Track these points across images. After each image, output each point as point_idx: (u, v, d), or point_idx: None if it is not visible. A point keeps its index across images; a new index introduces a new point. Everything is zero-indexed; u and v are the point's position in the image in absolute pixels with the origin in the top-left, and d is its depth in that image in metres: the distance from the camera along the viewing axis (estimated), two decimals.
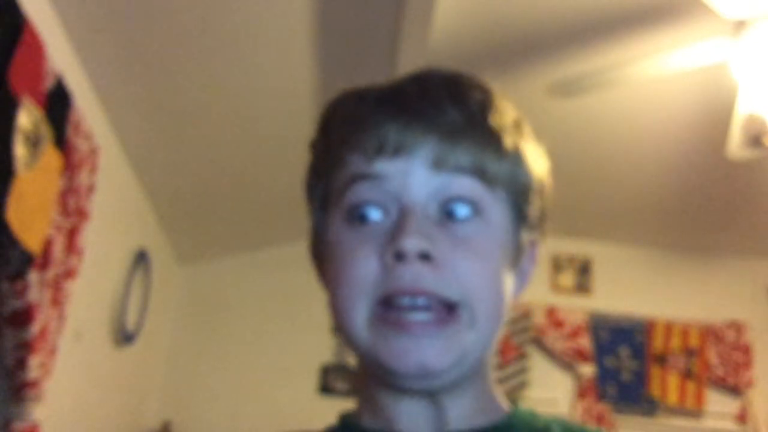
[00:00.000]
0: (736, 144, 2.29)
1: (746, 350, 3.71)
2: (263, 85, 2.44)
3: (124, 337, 2.80)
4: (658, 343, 3.68)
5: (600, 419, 3.53)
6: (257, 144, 2.82)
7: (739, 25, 2.08)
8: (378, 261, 0.62)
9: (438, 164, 0.64)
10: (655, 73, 2.27)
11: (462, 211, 0.64)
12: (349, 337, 0.64)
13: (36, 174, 1.73)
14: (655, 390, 3.61)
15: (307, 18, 2.12)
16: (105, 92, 2.30)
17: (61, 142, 1.87)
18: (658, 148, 2.93)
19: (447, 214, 0.64)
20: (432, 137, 0.64)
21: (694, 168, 3.02)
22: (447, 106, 0.65)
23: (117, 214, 2.66)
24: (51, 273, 1.85)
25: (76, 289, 2.05)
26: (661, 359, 3.66)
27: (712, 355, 3.68)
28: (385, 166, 0.64)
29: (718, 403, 3.65)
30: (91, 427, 2.63)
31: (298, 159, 2.86)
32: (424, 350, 0.60)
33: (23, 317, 1.76)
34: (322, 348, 3.67)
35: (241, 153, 2.86)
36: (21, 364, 1.81)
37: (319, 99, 2.52)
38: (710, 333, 3.71)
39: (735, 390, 3.67)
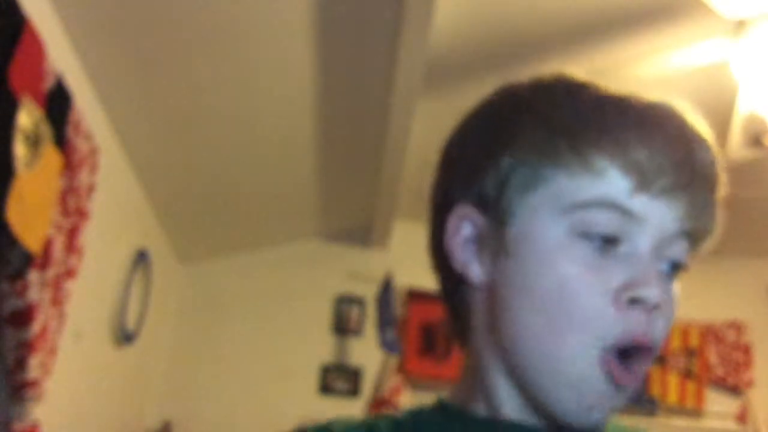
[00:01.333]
0: (736, 144, 2.29)
1: (746, 350, 3.71)
2: (263, 86, 2.44)
3: (124, 337, 2.80)
4: None
5: None
6: (257, 144, 2.82)
7: (739, 25, 2.08)
8: (610, 299, 0.59)
9: (688, 218, 0.62)
10: (655, 73, 2.26)
11: (674, 270, 0.63)
12: (550, 365, 0.61)
13: (36, 174, 1.73)
14: (655, 390, 3.61)
15: (307, 19, 2.12)
16: (105, 92, 2.30)
17: (61, 142, 1.87)
18: None
19: (668, 267, 0.63)
20: (695, 187, 0.61)
21: None
22: (711, 156, 0.63)
23: (117, 214, 2.66)
24: (51, 273, 1.85)
25: (76, 289, 2.05)
26: (661, 359, 3.66)
27: (712, 355, 3.68)
28: (643, 204, 0.60)
29: (718, 403, 3.65)
30: (91, 427, 2.63)
31: (298, 159, 2.88)
32: (614, 404, 0.61)
33: (23, 317, 1.76)
34: (322, 348, 3.67)
35: (241, 153, 2.86)
36: (21, 364, 1.81)
37: (319, 99, 2.52)
38: (710, 333, 3.71)
39: (735, 390, 3.67)
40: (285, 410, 3.50)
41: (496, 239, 0.64)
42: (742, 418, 3.63)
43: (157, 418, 3.43)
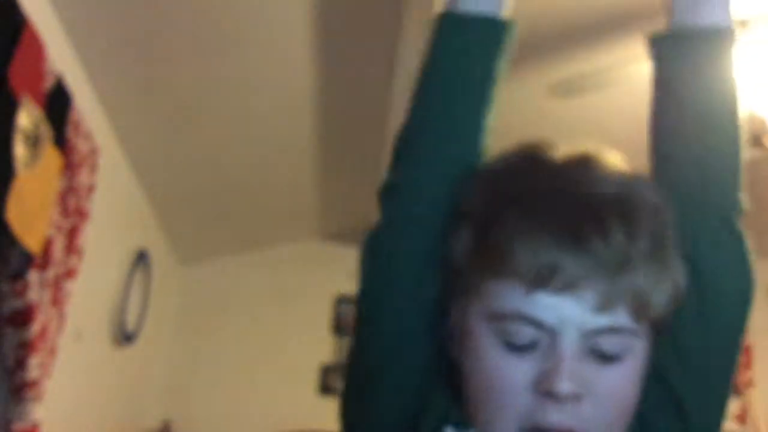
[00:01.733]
0: None
1: (746, 350, 3.71)
2: (263, 86, 2.44)
3: (124, 337, 2.80)
4: None
5: None
6: (257, 144, 2.82)
7: (739, 25, 2.08)
8: (530, 392, 0.66)
9: (600, 309, 0.66)
10: None
11: (612, 355, 0.67)
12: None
13: (36, 174, 1.73)
14: None
15: (308, 18, 2.12)
16: (105, 92, 2.30)
17: (61, 142, 1.87)
18: None
19: (596, 356, 0.67)
20: (600, 277, 0.65)
21: None
22: (619, 238, 0.65)
23: (117, 214, 2.66)
24: (51, 273, 1.85)
25: (76, 289, 2.05)
26: None
27: None
28: (547, 303, 0.66)
29: None
30: (91, 427, 2.63)
31: (298, 160, 2.87)
32: None
33: (23, 317, 1.76)
34: (322, 348, 3.67)
35: (241, 153, 2.86)
36: (21, 364, 1.81)
37: (319, 99, 2.52)
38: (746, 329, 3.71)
39: (735, 390, 3.67)
40: (285, 410, 3.50)
41: (458, 331, 0.73)
42: (742, 418, 3.63)
43: (157, 418, 3.43)
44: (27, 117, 1.67)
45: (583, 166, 0.71)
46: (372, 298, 0.78)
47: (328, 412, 3.93)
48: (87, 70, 2.19)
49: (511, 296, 0.67)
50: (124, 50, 2.18)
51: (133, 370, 3.10)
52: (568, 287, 0.65)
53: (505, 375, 0.67)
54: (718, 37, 0.80)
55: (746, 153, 0.83)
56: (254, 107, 2.56)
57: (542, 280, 0.65)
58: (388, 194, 0.79)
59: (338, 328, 3.69)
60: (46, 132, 1.78)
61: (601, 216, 0.66)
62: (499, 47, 0.82)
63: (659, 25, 0.88)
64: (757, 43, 2.08)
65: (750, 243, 0.79)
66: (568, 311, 0.65)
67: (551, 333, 0.66)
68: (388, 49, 2.22)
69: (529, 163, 0.72)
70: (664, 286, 0.68)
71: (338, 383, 3.65)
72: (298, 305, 3.70)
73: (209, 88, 2.43)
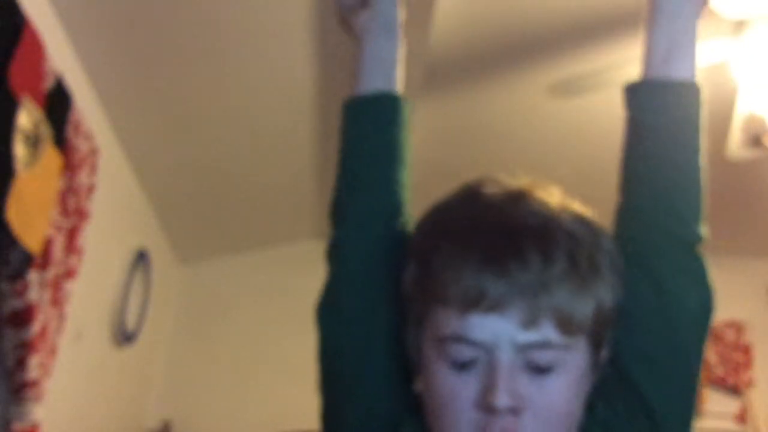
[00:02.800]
0: (736, 144, 2.29)
1: (746, 350, 3.71)
2: (263, 85, 2.44)
3: (124, 337, 2.80)
4: None
5: None
6: (257, 143, 2.82)
7: (739, 25, 2.08)
8: (474, 409, 0.73)
9: (527, 325, 0.73)
10: None
11: (545, 367, 0.74)
12: None
13: (36, 174, 1.73)
14: None
15: (308, 18, 2.12)
16: (105, 92, 2.30)
17: (61, 142, 1.87)
18: None
19: (531, 369, 0.74)
20: (521, 297, 0.73)
21: None
22: (535, 263, 0.73)
23: (117, 214, 2.66)
24: (51, 273, 1.85)
25: (76, 289, 2.05)
26: None
27: (712, 355, 3.68)
28: (478, 323, 0.73)
29: (718, 403, 3.65)
30: (91, 427, 2.63)
31: (298, 159, 2.87)
32: None
33: (23, 317, 1.76)
34: None
35: (242, 153, 2.86)
36: (21, 364, 1.81)
37: (319, 99, 2.52)
38: (710, 333, 3.70)
39: (735, 390, 3.67)
40: (285, 410, 3.50)
41: (415, 359, 0.82)
42: (741, 418, 3.63)
43: (157, 418, 3.43)
44: (27, 117, 1.68)
45: (515, 199, 0.79)
46: (331, 352, 0.94)
47: None
48: (87, 70, 2.19)
49: (448, 320, 0.75)
50: (124, 50, 2.18)
51: (133, 370, 3.10)
52: (494, 308, 0.72)
53: (451, 393, 0.74)
54: (686, 89, 0.98)
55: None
56: (254, 107, 2.56)
57: (471, 302, 0.73)
58: (329, 255, 0.93)
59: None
60: (46, 132, 1.78)
61: (519, 243, 0.74)
62: (396, 117, 0.96)
63: None
64: (757, 43, 2.08)
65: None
66: (497, 329, 0.73)
67: (487, 350, 0.73)
68: None
69: (467, 198, 0.81)
70: (584, 302, 0.75)
71: None
72: (298, 305, 3.68)
73: (209, 88, 2.43)
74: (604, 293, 0.76)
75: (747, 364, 3.69)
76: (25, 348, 1.80)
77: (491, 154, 2.96)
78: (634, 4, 2.28)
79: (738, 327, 3.73)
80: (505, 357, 0.73)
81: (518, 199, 0.78)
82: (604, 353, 0.80)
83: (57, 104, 1.84)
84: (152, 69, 2.29)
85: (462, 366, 0.74)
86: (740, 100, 2.22)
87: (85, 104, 2.15)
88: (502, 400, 0.71)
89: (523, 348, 0.73)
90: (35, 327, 1.80)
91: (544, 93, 2.52)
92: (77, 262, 2.03)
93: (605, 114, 2.80)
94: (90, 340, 2.48)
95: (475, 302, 0.73)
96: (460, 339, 0.74)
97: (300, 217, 3.60)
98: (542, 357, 0.73)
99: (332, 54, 2.29)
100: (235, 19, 2.12)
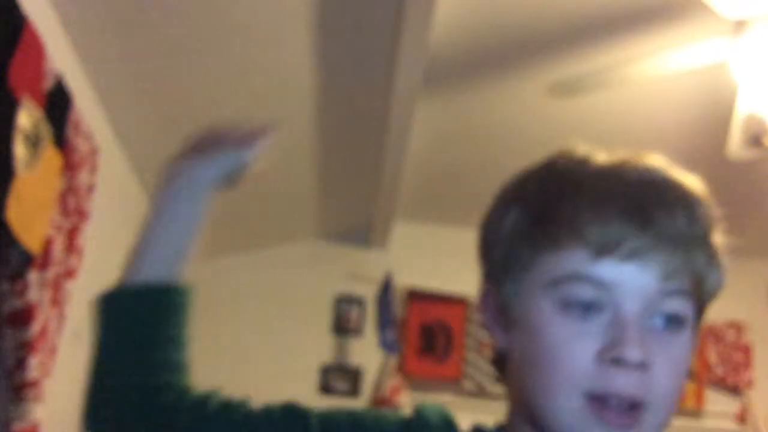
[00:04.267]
0: (736, 144, 2.29)
1: (746, 350, 3.71)
2: (263, 85, 2.44)
3: None
4: None
5: None
6: None
7: (739, 25, 2.08)
8: (594, 358, 0.66)
9: (666, 278, 0.67)
10: (655, 73, 2.26)
11: (673, 325, 0.68)
12: (548, 414, 0.68)
13: (36, 174, 1.73)
14: None
15: (308, 18, 2.12)
16: (105, 92, 2.30)
17: (61, 142, 1.87)
18: (657, 148, 2.91)
19: (660, 323, 0.68)
20: (663, 250, 0.66)
21: (694, 168, 3.02)
22: (682, 218, 0.68)
23: (117, 214, 2.66)
24: (51, 273, 1.85)
25: (76, 289, 2.05)
26: None
27: (712, 355, 3.68)
28: (611, 269, 0.66)
29: (718, 403, 3.65)
30: None
31: (298, 159, 2.87)
32: None
33: (23, 317, 1.76)
34: (322, 348, 3.67)
35: None
36: (21, 364, 1.81)
37: (319, 99, 2.52)
38: (710, 333, 3.71)
39: (735, 390, 3.67)
40: None
41: (507, 315, 0.73)
42: (742, 418, 3.63)
43: None
44: (27, 117, 1.68)
45: (636, 161, 0.73)
46: None
47: None
48: (87, 70, 2.19)
49: (572, 261, 0.67)
50: (124, 50, 2.18)
51: None
52: (633, 256, 0.66)
53: (567, 339, 0.66)
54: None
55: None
56: (254, 107, 2.56)
57: (608, 248, 0.66)
58: None
59: (338, 328, 3.69)
60: (46, 132, 1.78)
61: (666, 196, 0.69)
62: (174, 310, 0.91)
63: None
64: (757, 43, 2.08)
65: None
66: (632, 276, 0.66)
67: (617, 295, 0.66)
68: (388, 49, 2.22)
69: (578, 161, 0.73)
70: (715, 274, 0.71)
71: (338, 383, 3.66)
72: (298, 305, 3.70)
73: (209, 88, 2.43)
74: (720, 275, 0.72)
75: (747, 364, 3.69)
76: (25, 348, 1.80)
77: (491, 155, 2.96)
78: (634, 4, 2.28)
79: (738, 327, 3.73)
80: (638, 307, 0.66)
81: (639, 160, 0.73)
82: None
83: (57, 104, 1.84)
84: (152, 69, 2.29)
85: (583, 308, 0.66)
86: (740, 100, 2.22)
87: (85, 104, 2.15)
88: (634, 352, 0.64)
89: (660, 296, 0.67)
90: (35, 327, 1.80)
91: (544, 93, 2.52)
92: (77, 262, 2.03)
93: (605, 114, 2.80)
94: (90, 340, 2.47)
95: (612, 248, 0.66)
96: (586, 278, 0.66)
97: (300, 217, 3.60)
98: (677, 306, 0.68)
99: (333, 55, 2.29)
100: (236, 19, 2.12)
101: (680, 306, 0.68)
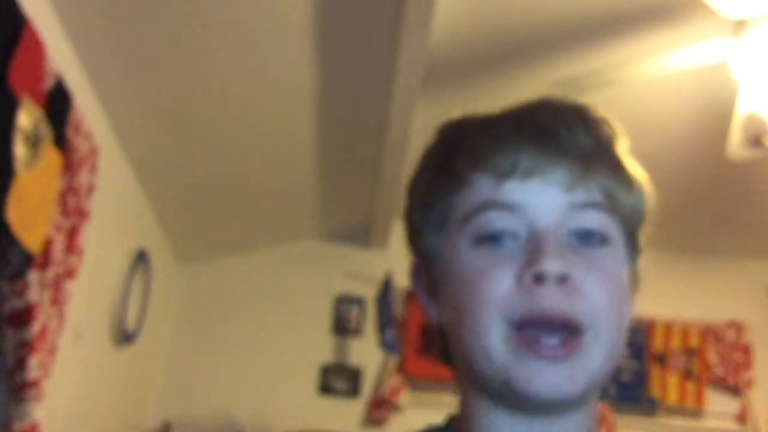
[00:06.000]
0: (736, 144, 2.29)
1: (746, 350, 3.71)
2: (263, 85, 2.44)
3: (124, 337, 2.80)
4: (657, 343, 3.68)
5: (600, 419, 3.53)
6: (257, 144, 2.82)
7: (739, 25, 2.08)
8: (514, 282, 0.62)
9: (570, 189, 0.64)
10: (655, 73, 2.26)
11: (593, 239, 0.64)
12: (479, 357, 0.63)
13: (36, 174, 1.73)
14: (655, 390, 3.61)
15: (308, 18, 2.12)
16: (105, 92, 2.30)
17: (61, 142, 1.87)
18: (657, 148, 2.93)
19: (578, 240, 0.64)
20: (565, 162, 0.64)
21: (694, 168, 3.02)
22: (580, 131, 0.66)
23: (117, 214, 2.66)
24: (51, 273, 1.85)
25: (76, 289, 2.05)
26: (661, 359, 3.66)
27: (712, 355, 3.68)
28: (516, 189, 0.64)
29: (718, 403, 3.65)
30: (91, 427, 2.63)
31: (298, 159, 2.87)
32: (559, 375, 0.61)
33: (23, 317, 1.76)
34: (322, 348, 3.67)
35: (241, 153, 2.86)
36: (21, 364, 1.81)
37: (319, 99, 2.52)
38: (710, 333, 3.71)
39: (735, 390, 3.67)
40: (285, 410, 3.50)
41: (434, 280, 0.70)
42: (742, 418, 3.63)
43: (157, 418, 3.43)
44: (27, 117, 1.68)
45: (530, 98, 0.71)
46: None
47: (328, 412, 3.94)
48: (87, 70, 2.19)
49: (478, 192, 0.65)
50: (124, 50, 2.18)
51: (133, 370, 3.10)
52: (533, 172, 0.64)
53: (480, 269, 0.63)
54: None
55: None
56: (254, 107, 2.56)
57: (508, 169, 0.64)
58: None
59: (338, 328, 3.69)
60: (46, 132, 1.78)
61: (562, 113, 0.67)
62: None
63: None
64: (757, 43, 2.08)
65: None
66: (536, 192, 0.64)
67: (525, 216, 0.63)
68: (388, 49, 2.22)
69: (470, 115, 0.72)
70: (625, 191, 0.67)
71: (338, 383, 3.66)
72: (298, 305, 3.70)
73: (210, 88, 2.43)
74: (638, 199, 0.69)
75: (747, 364, 3.69)
76: (25, 348, 1.80)
77: None
78: (634, 4, 2.28)
79: (738, 327, 3.73)
80: (550, 221, 0.63)
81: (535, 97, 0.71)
82: (636, 265, 0.70)
83: (57, 104, 1.84)
84: (152, 69, 2.29)
85: (496, 237, 0.63)
86: (740, 100, 2.22)
87: (85, 104, 2.15)
88: (553, 263, 0.60)
89: (570, 210, 0.64)
90: (35, 327, 1.80)
91: (544, 93, 2.52)
92: (77, 262, 2.03)
93: (605, 114, 2.80)
94: (90, 340, 2.48)
95: (512, 168, 0.63)
96: (492, 204, 0.64)
97: (300, 217, 3.60)
98: (592, 220, 0.64)
99: (333, 55, 2.29)
100: (236, 19, 2.12)
101: (594, 220, 0.64)
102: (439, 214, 0.68)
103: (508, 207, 0.64)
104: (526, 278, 0.61)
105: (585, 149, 0.65)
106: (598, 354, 0.62)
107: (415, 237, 0.72)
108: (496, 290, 0.62)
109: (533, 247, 0.62)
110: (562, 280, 0.61)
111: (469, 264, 0.65)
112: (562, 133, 0.65)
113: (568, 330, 0.61)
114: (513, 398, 0.63)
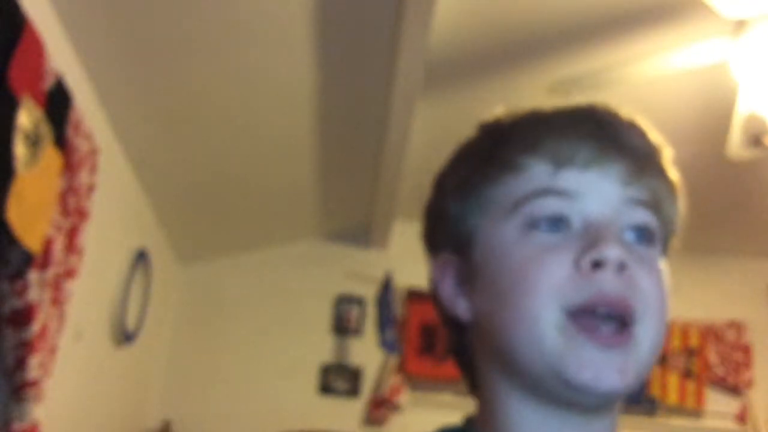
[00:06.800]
0: (736, 144, 2.29)
1: (746, 350, 3.71)
2: (263, 86, 2.44)
3: (124, 337, 2.80)
4: None
5: None
6: (257, 144, 2.82)
7: (739, 25, 2.08)
8: (571, 268, 0.61)
9: (628, 184, 0.64)
10: (655, 73, 2.26)
11: (643, 236, 0.65)
12: (527, 345, 0.61)
13: (36, 174, 1.73)
14: (655, 390, 3.60)
15: (308, 18, 2.12)
16: (105, 92, 2.30)
17: (61, 142, 1.87)
18: None
19: (630, 235, 0.64)
20: (623, 158, 0.64)
21: (694, 168, 3.01)
22: (637, 133, 0.67)
23: (117, 214, 2.66)
24: (51, 273, 1.85)
25: (76, 289, 2.05)
26: (661, 359, 3.66)
27: (712, 355, 3.68)
28: (573, 178, 0.64)
29: (718, 403, 3.65)
30: (91, 427, 2.63)
31: (298, 159, 2.88)
32: (611, 365, 0.60)
33: (23, 317, 1.76)
34: (322, 348, 3.67)
35: (241, 153, 2.86)
36: (21, 364, 1.81)
37: (319, 99, 2.52)
38: (710, 333, 3.71)
39: (735, 390, 3.67)
40: (285, 410, 3.50)
41: (470, 270, 0.67)
42: (742, 418, 3.63)
43: (157, 418, 3.43)
44: (27, 117, 1.68)
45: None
46: None
47: (328, 412, 3.94)
48: (87, 70, 2.19)
49: (533, 179, 0.64)
50: (124, 50, 2.18)
51: (133, 370, 3.10)
52: (592, 163, 0.63)
53: (534, 255, 0.62)
54: None
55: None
56: (254, 107, 2.56)
57: (566, 158, 0.63)
58: None
59: (338, 328, 3.69)
60: (46, 132, 1.78)
61: (617, 116, 0.68)
62: None
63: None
64: (757, 43, 2.08)
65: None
66: (594, 182, 0.64)
67: (581, 206, 0.63)
68: (388, 49, 2.22)
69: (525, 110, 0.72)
70: (670, 201, 0.68)
71: (338, 383, 3.66)
72: (298, 305, 3.70)
73: (209, 88, 2.43)
74: (675, 208, 0.70)
75: (747, 364, 3.69)
76: (25, 348, 1.80)
77: None
78: (634, 4, 2.28)
79: (738, 327, 3.73)
80: (607, 212, 0.63)
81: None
82: None
83: (57, 104, 1.84)
84: (152, 69, 2.29)
85: (551, 222, 0.62)
86: (740, 100, 2.22)
87: (85, 104, 2.15)
88: (614, 250, 0.59)
89: (625, 205, 0.63)
90: (35, 327, 1.80)
91: (543, 93, 2.52)
92: (77, 262, 2.03)
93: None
94: (90, 340, 2.48)
95: (571, 157, 0.63)
96: (548, 190, 0.63)
97: (300, 217, 3.60)
98: (645, 218, 0.64)
99: (333, 55, 2.29)
100: (236, 19, 2.12)
101: (647, 217, 0.64)
102: (484, 200, 0.67)
103: (565, 194, 0.63)
104: (585, 263, 0.60)
105: (640, 150, 0.66)
106: (646, 347, 0.62)
107: (446, 227, 0.70)
108: (551, 276, 0.61)
109: (592, 234, 0.62)
110: (621, 267, 0.60)
111: (518, 250, 0.63)
112: (622, 131, 0.66)
113: (621, 321, 0.61)
114: (558, 389, 0.61)
